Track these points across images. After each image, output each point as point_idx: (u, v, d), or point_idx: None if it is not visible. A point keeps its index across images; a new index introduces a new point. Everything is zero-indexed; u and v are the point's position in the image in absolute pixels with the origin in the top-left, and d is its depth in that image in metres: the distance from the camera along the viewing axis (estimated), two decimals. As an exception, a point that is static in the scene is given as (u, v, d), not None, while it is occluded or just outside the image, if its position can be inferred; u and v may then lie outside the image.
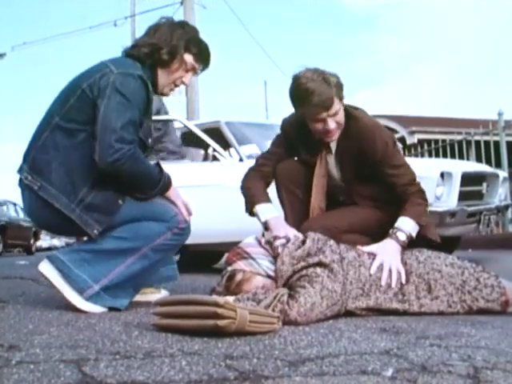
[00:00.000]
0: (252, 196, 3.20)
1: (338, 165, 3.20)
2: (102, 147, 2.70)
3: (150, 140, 3.00)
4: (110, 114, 2.71)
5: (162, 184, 2.90)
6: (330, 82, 2.97)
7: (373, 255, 2.78)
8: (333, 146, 3.19)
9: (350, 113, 3.12)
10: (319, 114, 2.98)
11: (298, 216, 3.23)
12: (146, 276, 2.96)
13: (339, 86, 3.02)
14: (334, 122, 3.02)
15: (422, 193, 3.08)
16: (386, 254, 2.78)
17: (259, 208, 3.14)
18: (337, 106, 2.99)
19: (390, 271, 2.70)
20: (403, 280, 2.69)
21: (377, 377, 1.56)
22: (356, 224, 3.11)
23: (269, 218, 3.09)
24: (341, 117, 3.05)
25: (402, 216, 2.96)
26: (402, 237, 2.89)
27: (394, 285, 2.67)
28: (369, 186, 3.19)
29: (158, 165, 2.94)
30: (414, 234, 2.95)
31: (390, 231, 2.92)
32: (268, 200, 3.19)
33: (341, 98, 3.03)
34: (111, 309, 2.82)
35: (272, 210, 3.15)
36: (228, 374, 1.59)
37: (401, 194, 3.05)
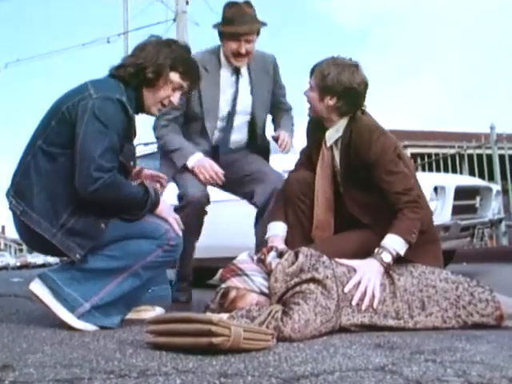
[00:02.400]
0: (272, 213, 3.35)
1: (340, 166, 3.18)
2: (81, 177, 2.71)
3: (131, 163, 2.99)
4: (89, 143, 2.71)
5: (150, 204, 2.89)
6: (324, 66, 3.09)
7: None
8: (328, 138, 3.19)
9: (355, 114, 3.14)
10: None
11: (305, 233, 3.21)
12: (137, 294, 2.95)
13: (324, 78, 3.06)
14: (307, 91, 3.18)
15: (415, 204, 2.94)
16: (366, 272, 2.72)
17: (270, 226, 3.25)
18: (312, 82, 3.14)
19: (366, 291, 2.67)
20: (375, 305, 2.66)
21: (372, 393, 1.56)
22: (359, 253, 2.94)
23: (270, 235, 3.19)
24: (312, 97, 3.15)
25: (390, 233, 2.86)
26: (387, 258, 2.79)
27: (363, 307, 2.64)
28: (362, 192, 3.10)
29: (143, 185, 2.94)
30: (402, 252, 2.84)
31: (376, 250, 2.83)
32: (281, 218, 3.24)
33: (318, 87, 3.10)
34: (103, 327, 2.81)
35: (278, 227, 3.22)
36: (222, 392, 1.59)
37: (393, 203, 2.94)
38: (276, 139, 3.98)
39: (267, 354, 2.11)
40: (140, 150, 6.76)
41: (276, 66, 4.13)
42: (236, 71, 3.91)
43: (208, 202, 3.79)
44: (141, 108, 3.01)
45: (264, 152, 4.16)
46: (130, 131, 2.91)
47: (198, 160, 3.72)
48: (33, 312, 3.51)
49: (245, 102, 3.98)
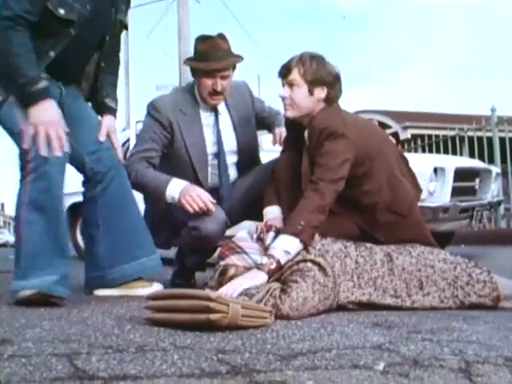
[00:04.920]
0: (265, 199, 3.23)
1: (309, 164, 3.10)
2: None
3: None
4: None
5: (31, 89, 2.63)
6: (304, 60, 3.01)
7: (360, 246, 2.78)
8: (306, 139, 3.12)
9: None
10: (280, 80, 3.12)
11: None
12: (52, 240, 2.79)
13: (312, 70, 2.99)
14: (286, 91, 3.05)
15: (327, 182, 2.81)
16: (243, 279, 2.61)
17: (265, 212, 3.18)
18: (295, 77, 3.00)
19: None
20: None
21: (368, 371, 1.56)
22: (341, 234, 2.91)
23: (268, 219, 3.13)
24: (299, 95, 3.02)
25: (281, 234, 2.75)
26: (273, 265, 2.62)
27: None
28: None
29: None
30: (292, 250, 2.68)
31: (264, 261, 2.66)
32: (275, 202, 3.19)
33: (307, 81, 2.99)
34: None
35: (274, 211, 3.17)
36: (220, 368, 1.60)
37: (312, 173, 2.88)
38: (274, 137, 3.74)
39: (265, 332, 2.12)
40: (139, 128, 6.75)
41: (250, 91, 3.77)
42: (214, 110, 3.53)
43: (226, 230, 3.33)
44: None
45: None
46: None
47: (182, 189, 3.20)
48: (31, 288, 3.52)
49: (230, 142, 3.58)
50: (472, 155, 9.55)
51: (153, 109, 3.45)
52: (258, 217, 3.25)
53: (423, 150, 11.60)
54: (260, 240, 2.79)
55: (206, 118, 3.53)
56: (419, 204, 3.28)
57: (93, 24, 2.85)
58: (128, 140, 7.08)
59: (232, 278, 2.64)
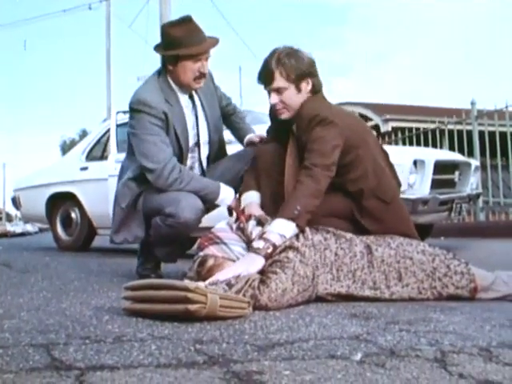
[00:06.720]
0: (243, 184, 3.28)
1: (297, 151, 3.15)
2: None
3: None
4: None
5: None
6: (282, 60, 3.01)
7: (340, 238, 2.78)
8: (294, 129, 3.14)
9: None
10: (263, 87, 3.11)
11: (276, 198, 3.20)
12: None
13: (294, 68, 3.01)
14: (275, 98, 3.07)
15: (320, 168, 2.85)
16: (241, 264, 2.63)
17: (243, 197, 3.21)
18: (280, 83, 3.02)
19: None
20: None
21: (345, 361, 1.57)
22: (333, 209, 3.02)
23: (245, 204, 3.15)
24: (289, 96, 3.05)
25: (277, 217, 2.77)
26: (269, 249, 2.65)
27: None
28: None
29: None
30: (287, 234, 2.71)
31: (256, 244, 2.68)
32: (253, 187, 3.22)
33: (293, 80, 3.02)
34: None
35: (252, 196, 3.19)
36: (197, 358, 1.60)
37: (305, 159, 2.90)
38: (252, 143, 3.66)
39: (243, 322, 2.13)
40: (119, 119, 6.71)
41: (212, 78, 3.70)
42: (190, 97, 3.51)
43: (201, 220, 3.34)
44: None
45: None
46: None
47: (233, 198, 3.33)
48: (10, 279, 3.50)
49: (204, 132, 3.56)
50: (452, 148, 9.60)
51: (145, 105, 3.29)
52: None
53: (404, 143, 11.64)
54: (240, 230, 2.79)
55: (186, 106, 3.49)
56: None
57: None
58: (108, 130, 7.02)
59: (211, 268, 2.64)
